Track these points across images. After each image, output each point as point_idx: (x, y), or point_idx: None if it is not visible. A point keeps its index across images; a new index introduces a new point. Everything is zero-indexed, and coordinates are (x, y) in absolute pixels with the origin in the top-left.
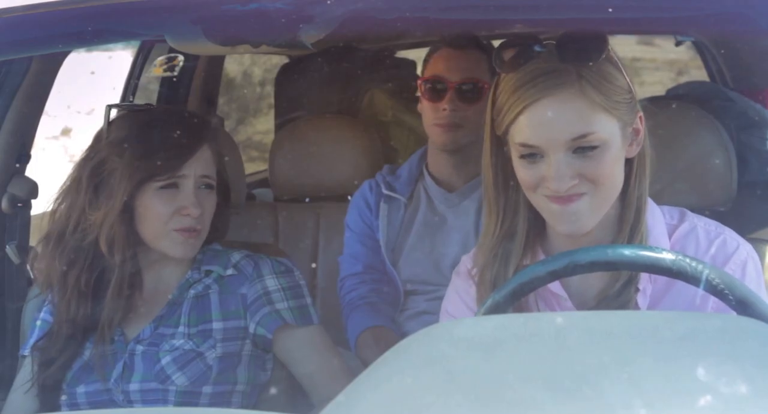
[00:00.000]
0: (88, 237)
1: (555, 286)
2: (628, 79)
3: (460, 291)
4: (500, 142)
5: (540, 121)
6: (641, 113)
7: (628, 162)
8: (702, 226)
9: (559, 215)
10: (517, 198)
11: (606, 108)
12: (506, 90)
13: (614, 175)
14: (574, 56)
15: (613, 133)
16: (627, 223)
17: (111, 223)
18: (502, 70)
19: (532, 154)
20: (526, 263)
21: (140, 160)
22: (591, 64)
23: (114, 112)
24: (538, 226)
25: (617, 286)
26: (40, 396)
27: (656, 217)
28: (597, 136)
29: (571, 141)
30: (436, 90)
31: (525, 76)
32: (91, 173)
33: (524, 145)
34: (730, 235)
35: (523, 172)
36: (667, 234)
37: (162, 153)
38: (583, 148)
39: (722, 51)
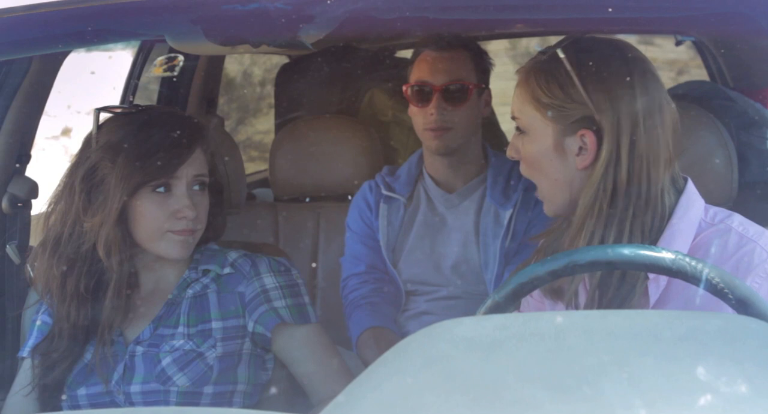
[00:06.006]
0: (85, 244)
1: None
2: (586, 96)
3: None
4: None
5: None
6: (593, 137)
7: (619, 166)
8: (739, 231)
9: None
10: None
11: (537, 103)
12: None
13: (543, 166)
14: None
15: (537, 127)
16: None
17: (107, 229)
18: None
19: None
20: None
21: (133, 165)
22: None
23: (103, 116)
24: None
25: (625, 277)
26: (41, 399)
27: (691, 214)
28: (520, 118)
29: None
30: (422, 94)
31: None
32: (84, 179)
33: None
34: (764, 246)
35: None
36: (694, 231)
37: (155, 157)
38: (519, 128)
39: (722, 51)
